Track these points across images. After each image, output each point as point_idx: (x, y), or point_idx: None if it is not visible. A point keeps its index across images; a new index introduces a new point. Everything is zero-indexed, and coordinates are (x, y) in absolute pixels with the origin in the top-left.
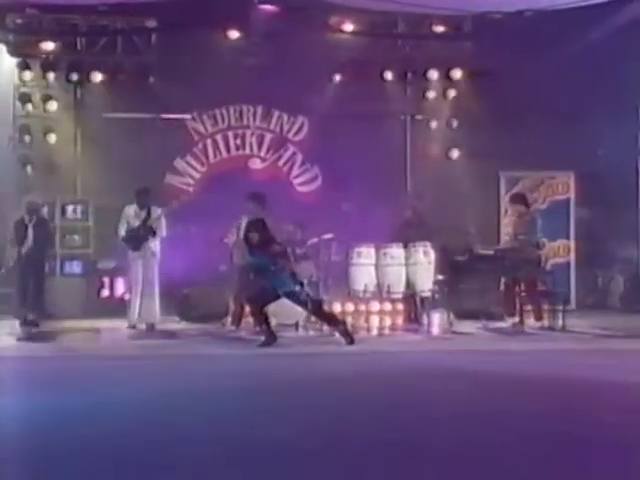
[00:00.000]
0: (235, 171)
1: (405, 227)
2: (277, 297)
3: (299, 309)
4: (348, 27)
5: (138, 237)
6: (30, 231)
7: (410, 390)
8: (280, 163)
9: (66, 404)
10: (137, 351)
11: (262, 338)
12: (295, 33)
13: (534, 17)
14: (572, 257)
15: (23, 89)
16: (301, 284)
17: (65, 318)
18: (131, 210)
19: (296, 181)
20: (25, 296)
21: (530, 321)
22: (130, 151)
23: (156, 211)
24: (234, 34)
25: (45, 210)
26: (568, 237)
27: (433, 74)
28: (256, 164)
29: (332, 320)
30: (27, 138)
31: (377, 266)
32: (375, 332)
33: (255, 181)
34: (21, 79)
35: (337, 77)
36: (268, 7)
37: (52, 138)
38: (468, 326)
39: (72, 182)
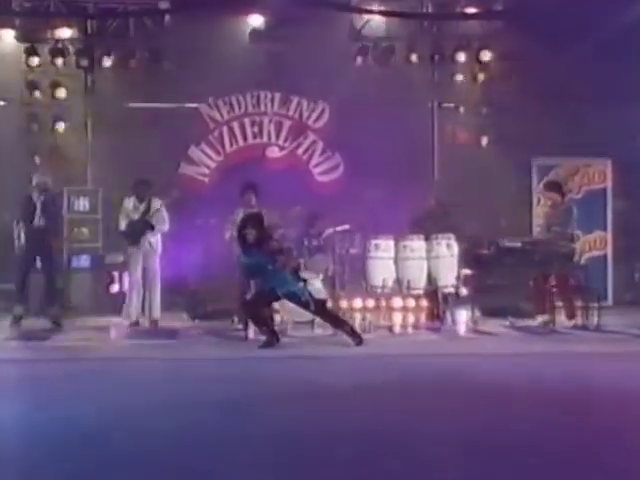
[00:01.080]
0: (252, 160)
1: (427, 218)
2: (276, 298)
3: None
4: (372, 7)
5: (136, 232)
6: (39, 208)
7: (416, 404)
8: (299, 151)
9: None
10: (132, 352)
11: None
12: (316, 14)
13: None
14: (609, 250)
15: (31, 75)
16: (304, 281)
17: (73, 314)
18: (130, 203)
19: (316, 170)
20: (26, 280)
21: (562, 319)
22: (143, 139)
23: (156, 203)
24: (251, 17)
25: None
26: (605, 229)
27: (461, 56)
28: (274, 152)
29: (337, 321)
30: (35, 127)
31: (396, 260)
32: (394, 331)
33: (273, 170)
34: (29, 65)
35: (360, 60)
36: None
37: (61, 126)
38: (494, 324)
39: (82, 172)
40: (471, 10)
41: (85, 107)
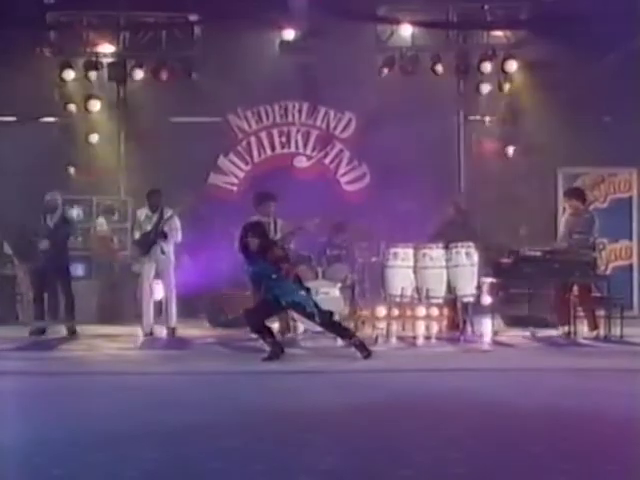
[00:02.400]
0: (280, 170)
1: (447, 226)
2: (280, 308)
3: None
4: (397, 18)
5: (148, 241)
6: (51, 226)
7: (398, 431)
8: (327, 161)
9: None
10: (128, 366)
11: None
12: (342, 26)
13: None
14: (635, 259)
15: (65, 89)
16: (307, 290)
17: (100, 322)
18: (142, 214)
19: (343, 180)
20: (42, 295)
21: (584, 330)
22: (173, 149)
23: (167, 213)
24: (280, 29)
25: (73, 212)
26: (631, 238)
27: (487, 67)
28: (302, 162)
29: (344, 332)
30: (69, 138)
31: (416, 268)
32: (417, 342)
33: (301, 180)
34: (63, 78)
35: (386, 71)
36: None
37: (95, 138)
38: (515, 335)
39: (115, 183)
40: (495, 18)
41: (118, 119)
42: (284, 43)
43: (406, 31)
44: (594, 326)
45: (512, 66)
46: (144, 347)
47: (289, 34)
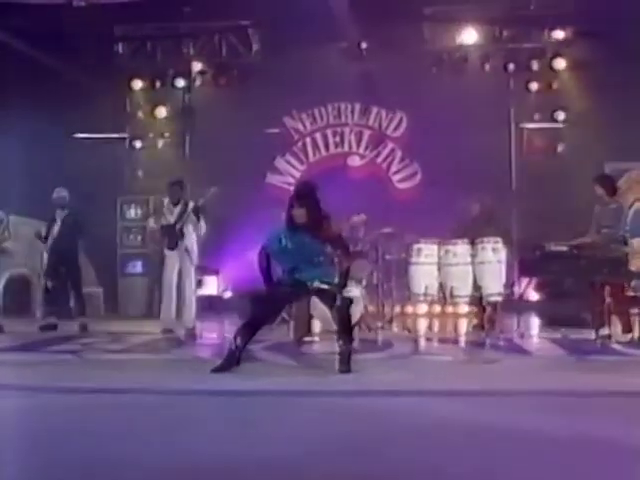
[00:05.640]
0: (334, 169)
1: (472, 224)
2: (302, 296)
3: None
4: (446, 17)
5: (170, 235)
6: (58, 223)
7: None
8: (379, 160)
9: None
10: (76, 373)
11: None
12: (392, 26)
13: None
14: None
15: (134, 97)
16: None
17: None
18: (166, 203)
19: (395, 177)
20: (50, 290)
21: (618, 332)
22: (234, 151)
23: (190, 206)
24: (336, 37)
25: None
26: None
27: (535, 65)
28: (355, 161)
29: (347, 334)
30: (138, 144)
31: (439, 265)
32: (459, 342)
33: (354, 178)
34: (131, 88)
35: (435, 70)
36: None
37: (161, 143)
38: (544, 337)
39: None
40: (541, 15)
41: (183, 123)
42: (340, 49)
43: (455, 31)
44: (628, 328)
45: (560, 64)
46: (133, 350)
47: (344, 41)
